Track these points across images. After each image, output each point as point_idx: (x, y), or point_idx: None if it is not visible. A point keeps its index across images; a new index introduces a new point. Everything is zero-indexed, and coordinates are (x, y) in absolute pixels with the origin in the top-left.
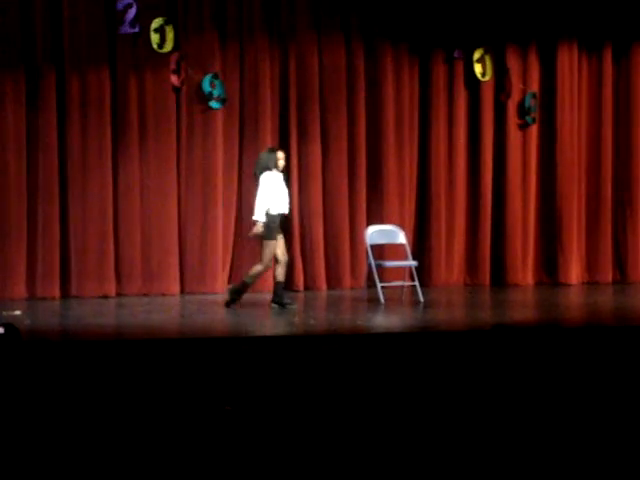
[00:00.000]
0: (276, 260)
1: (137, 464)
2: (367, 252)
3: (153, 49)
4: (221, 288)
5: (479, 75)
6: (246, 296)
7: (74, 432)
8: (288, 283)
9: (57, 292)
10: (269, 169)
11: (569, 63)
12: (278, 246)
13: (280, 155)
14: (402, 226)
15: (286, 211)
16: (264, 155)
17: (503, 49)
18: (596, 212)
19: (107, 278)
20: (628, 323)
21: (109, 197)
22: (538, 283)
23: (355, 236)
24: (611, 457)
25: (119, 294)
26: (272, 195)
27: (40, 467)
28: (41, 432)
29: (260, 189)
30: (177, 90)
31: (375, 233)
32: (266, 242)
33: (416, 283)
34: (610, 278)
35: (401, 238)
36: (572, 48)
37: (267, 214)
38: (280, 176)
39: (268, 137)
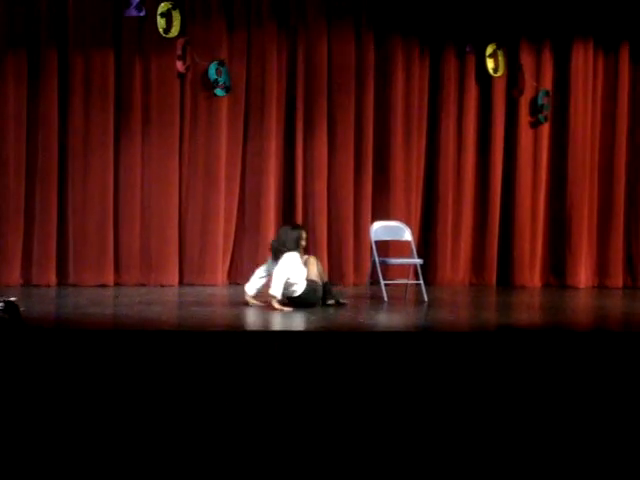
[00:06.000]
0: None
1: (131, 453)
2: (371, 248)
3: (159, 34)
4: (221, 280)
5: (491, 71)
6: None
7: (66, 419)
8: None
9: (53, 279)
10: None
11: (584, 61)
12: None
13: (304, 235)
14: (408, 223)
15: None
16: (288, 232)
17: (516, 45)
18: (608, 215)
19: (105, 267)
20: (635, 329)
21: (109, 184)
22: (545, 285)
23: (359, 232)
24: (614, 459)
25: (117, 283)
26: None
27: (35, 454)
28: (33, 417)
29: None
30: (182, 76)
31: (380, 229)
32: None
33: (420, 281)
34: (621, 283)
35: (407, 235)
36: (587, 46)
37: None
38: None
39: (273, 128)
